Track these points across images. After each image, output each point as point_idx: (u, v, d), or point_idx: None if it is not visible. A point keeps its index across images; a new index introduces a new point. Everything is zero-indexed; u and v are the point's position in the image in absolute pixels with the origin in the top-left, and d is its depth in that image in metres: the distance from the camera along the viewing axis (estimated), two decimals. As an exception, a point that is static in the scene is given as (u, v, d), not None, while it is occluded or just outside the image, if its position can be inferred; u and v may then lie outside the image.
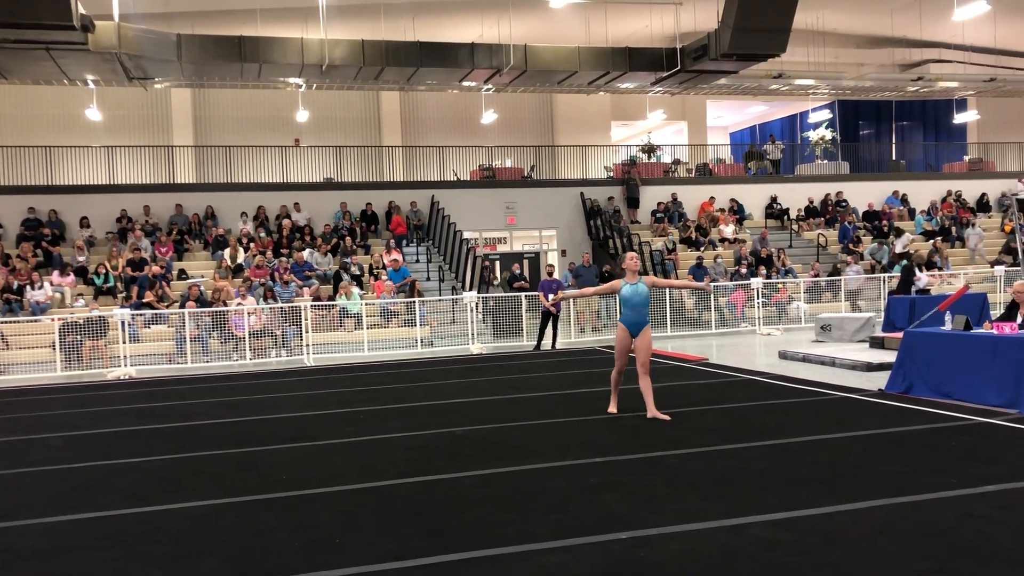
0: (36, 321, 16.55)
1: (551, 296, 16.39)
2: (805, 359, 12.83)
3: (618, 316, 8.77)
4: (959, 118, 31.97)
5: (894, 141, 34.38)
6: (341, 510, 5.60)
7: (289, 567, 4.51)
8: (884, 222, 25.13)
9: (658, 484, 5.92)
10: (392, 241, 21.49)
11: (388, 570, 4.41)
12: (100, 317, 16.10)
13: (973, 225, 24.74)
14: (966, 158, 30.25)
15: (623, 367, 8.57)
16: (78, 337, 15.89)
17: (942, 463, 6.23)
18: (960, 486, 5.55)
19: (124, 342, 15.70)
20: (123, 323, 15.70)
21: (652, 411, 8.32)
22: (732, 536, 4.73)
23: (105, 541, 5.13)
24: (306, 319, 16.96)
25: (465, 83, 22.83)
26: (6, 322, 16.31)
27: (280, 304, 17.39)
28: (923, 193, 27.27)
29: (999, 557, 4.26)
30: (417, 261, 21.55)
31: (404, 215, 23.10)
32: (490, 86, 23.36)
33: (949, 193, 27.57)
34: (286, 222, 21.79)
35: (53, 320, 16.19)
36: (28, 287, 17.38)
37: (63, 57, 18.22)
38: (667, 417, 8.22)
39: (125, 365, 15.46)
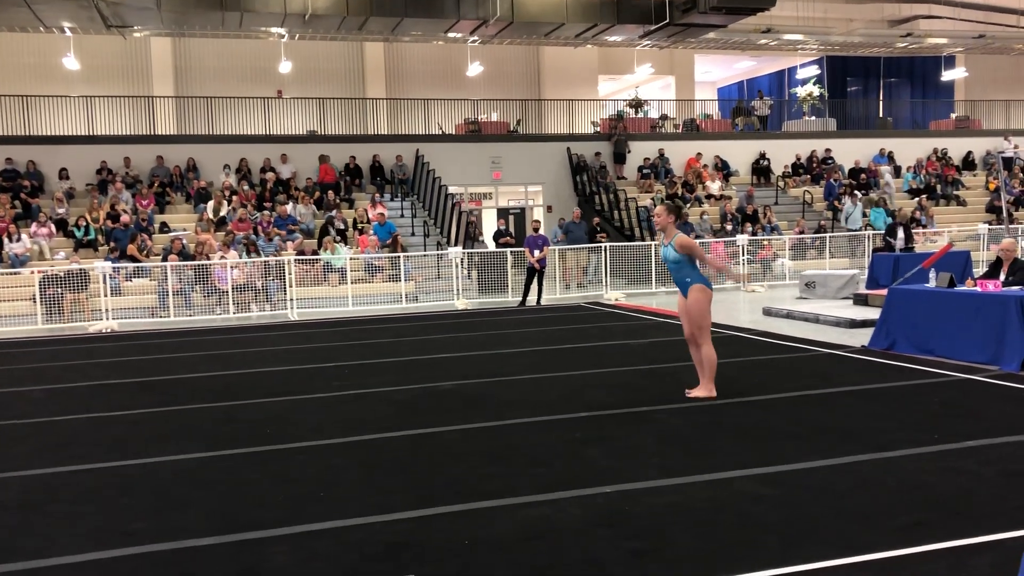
0: (15, 273, 16.37)
1: (536, 252, 16.39)
2: (789, 315, 12.88)
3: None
4: (947, 75, 31.83)
5: (882, 98, 34.24)
6: (325, 464, 5.59)
7: (273, 520, 4.51)
8: (863, 178, 25.09)
9: (643, 439, 5.93)
10: (377, 195, 21.28)
11: (372, 523, 4.41)
12: (81, 270, 15.93)
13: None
14: (953, 116, 30.19)
15: (687, 334, 7.44)
16: (59, 290, 15.73)
17: (924, 419, 6.28)
18: (942, 441, 5.59)
19: (106, 295, 15.56)
20: (104, 276, 15.56)
21: (693, 390, 7.23)
22: (717, 490, 4.75)
23: (88, 494, 5.11)
24: (290, 273, 16.85)
25: (450, 34, 22.47)
26: (-15, 274, 16.13)
27: (264, 258, 17.25)
28: (909, 151, 27.26)
29: (979, 512, 4.29)
30: (402, 216, 21.39)
31: (333, 164, 22.49)
32: (476, 38, 23.01)
33: (935, 151, 27.56)
34: (269, 175, 21.54)
35: (33, 272, 16.01)
36: (6, 239, 17.15)
37: (38, 3, 17.77)
38: (711, 394, 7.10)
39: (107, 318, 15.35)
